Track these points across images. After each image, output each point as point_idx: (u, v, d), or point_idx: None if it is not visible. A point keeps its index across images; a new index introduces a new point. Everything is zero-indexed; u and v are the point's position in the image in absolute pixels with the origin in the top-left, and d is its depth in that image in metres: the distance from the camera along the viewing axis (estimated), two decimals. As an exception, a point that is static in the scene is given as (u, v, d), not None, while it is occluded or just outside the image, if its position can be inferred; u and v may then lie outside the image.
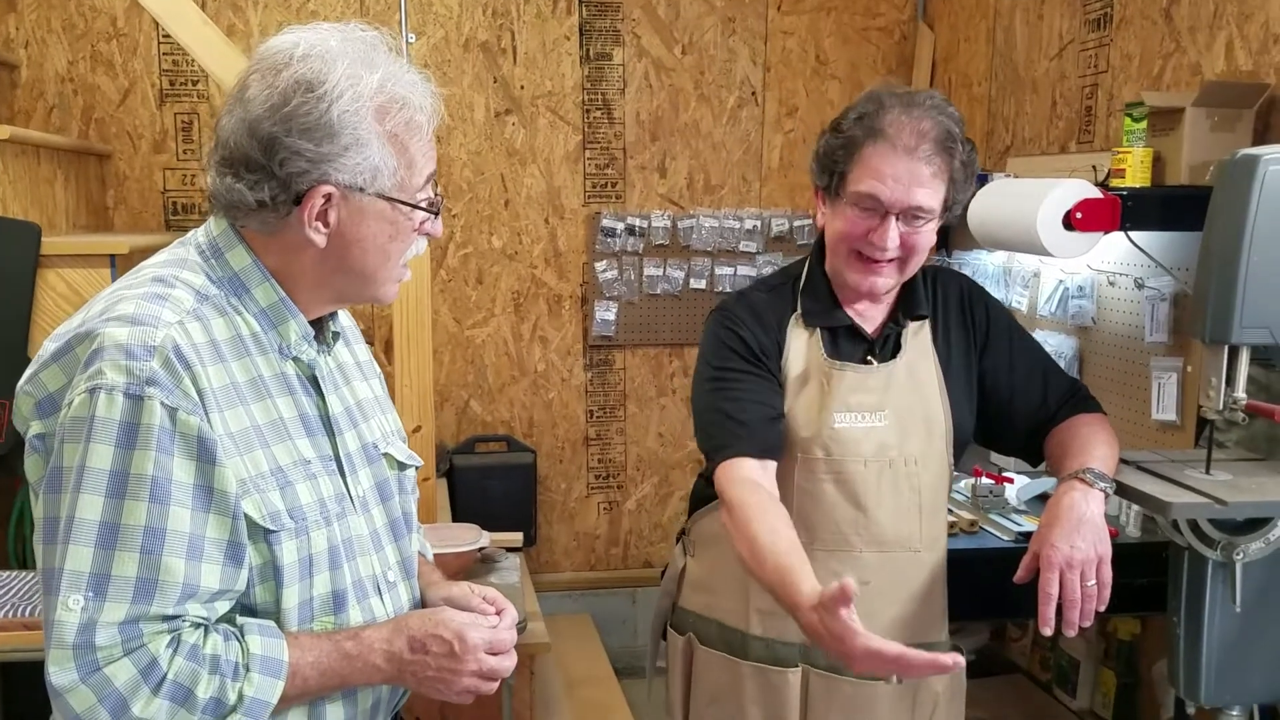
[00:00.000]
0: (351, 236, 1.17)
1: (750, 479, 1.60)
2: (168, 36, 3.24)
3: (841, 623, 1.31)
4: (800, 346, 1.71)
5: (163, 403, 1.05)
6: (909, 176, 1.59)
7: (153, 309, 1.09)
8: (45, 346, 1.11)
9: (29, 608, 2.33)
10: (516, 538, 2.87)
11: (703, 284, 3.69)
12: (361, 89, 1.13)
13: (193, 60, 3.26)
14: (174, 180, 3.40)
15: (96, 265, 2.46)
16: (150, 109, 3.36)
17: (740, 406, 1.65)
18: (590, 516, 3.81)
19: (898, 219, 1.61)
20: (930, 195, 1.61)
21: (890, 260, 1.64)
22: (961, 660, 1.32)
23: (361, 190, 1.15)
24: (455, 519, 3.18)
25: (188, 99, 3.38)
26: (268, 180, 1.13)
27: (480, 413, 3.69)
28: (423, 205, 1.20)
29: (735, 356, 1.69)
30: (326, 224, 1.16)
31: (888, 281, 1.67)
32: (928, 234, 1.65)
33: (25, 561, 2.88)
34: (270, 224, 1.16)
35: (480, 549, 2.61)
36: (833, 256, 1.71)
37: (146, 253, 2.63)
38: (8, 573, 2.57)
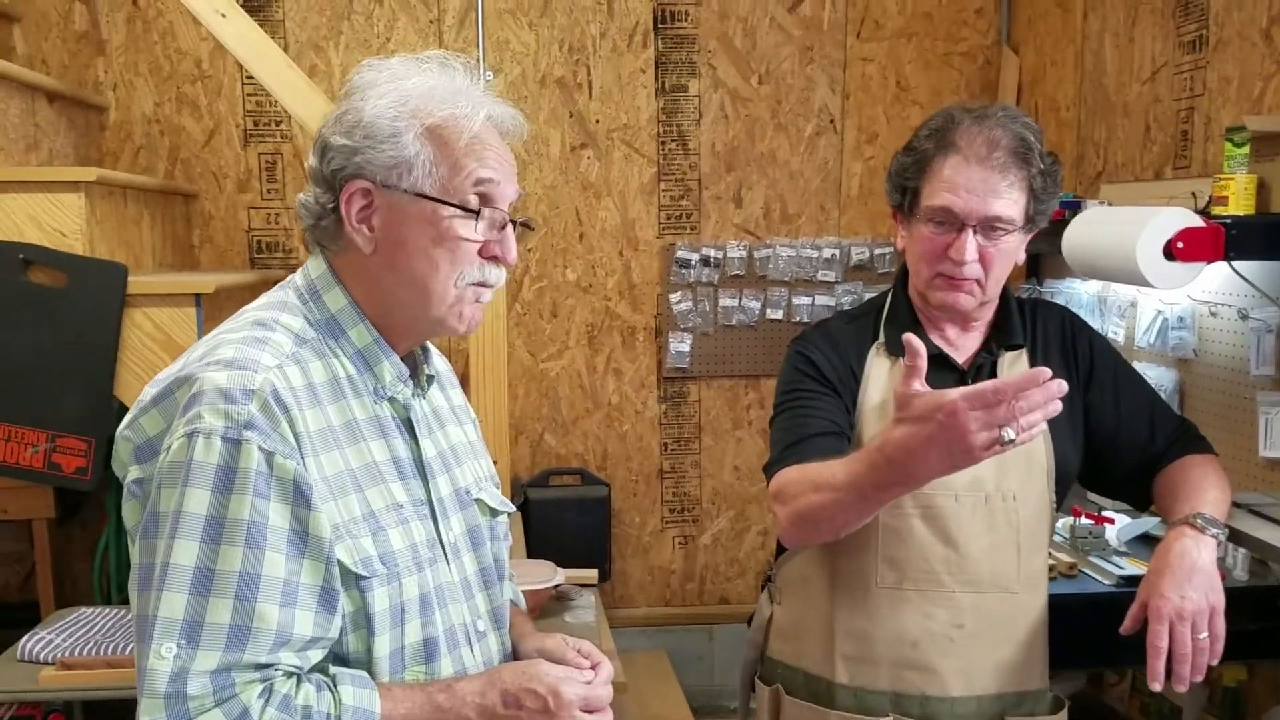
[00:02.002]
0: (395, 238, 1.16)
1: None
2: (251, 78, 3.31)
3: (926, 391, 1.23)
4: (881, 375, 1.65)
5: (260, 447, 1.04)
6: (983, 186, 1.54)
7: (252, 353, 1.09)
8: (145, 392, 1.11)
9: (112, 645, 2.35)
10: (591, 574, 2.84)
11: (779, 314, 3.63)
12: (405, 87, 1.15)
13: (276, 101, 3.32)
14: (258, 219, 3.45)
15: (182, 304, 2.49)
16: (235, 149, 3.42)
17: (802, 422, 1.60)
18: (665, 551, 3.76)
19: (975, 232, 1.55)
20: (1007, 205, 1.55)
21: (973, 278, 1.58)
22: (1048, 373, 1.20)
23: (398, 188, 1.15)
24: (529, 553, 3.16)
25: (271, 139, 3.43)
26: (321, 185, 1.17)
27: (554, 445, 3.67)
28: (456, 203, 1.16)
29: (804, 378, 1.66)
30: (371, 227, 1.16)
31: (971, 299, 1.60)
32: (1008, 247, 1.58)
33: (110, 597, 2.92)
34: (330, 232, 1.18)
35: (555, 587, 2.58)
36: (915, 278, 1.65)
37: (232, 292, 2.69)
38: (92, 609, 2.60)
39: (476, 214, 1.17)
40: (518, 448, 3.61)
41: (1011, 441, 1.20)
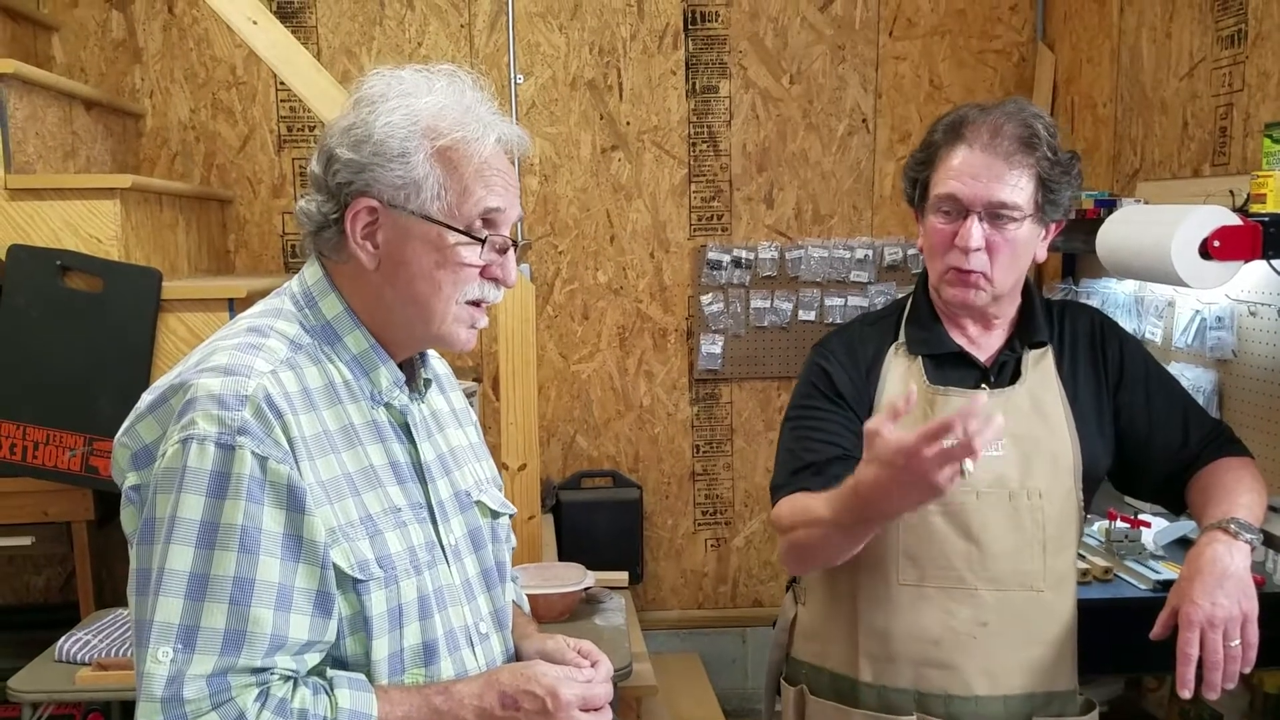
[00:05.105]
0: (398, 257, 1.16)
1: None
2: (285, 84, 3.34)
3: (890, 434, 1.26)
4: (898, 375, 1.64)
5: (253, 452, 1.05)
6: (986, 172, 1.53)
7: (246, 359, 1.10)
8: (142, 399, 1.13)
9: (148, 644, 2.38)
10: (622, 577, 2.84)
11: (812, 315, 3.61)
12: (416, 106, 1.14)
13: (309, 106, 3.35)
14: (292, 224, 3.48)
15: (215, 309, 2.53)
16: (269, 155, 3.46)
17: (809, 445, 1.61)
18: (698, 553, 3.74)
19: (981, 219, 1.54)
20: (1013, 191, 1.53)
21: (980, 270, 1.56)
22: (984, 398, 1.23)
23: (405, 208, 1.14)
24: (561, 555, 3.16)
25: (305, 144, 3.47)
26: (324, 195, 1.16)
27: (586, 448, 3.67)
28: (464, 230, 1.16)
29: (817, 394, 1.66)
30: (375, 244, 1.16)
31: (983, 294, 1.58)
32: (1017, 237, 1.56)
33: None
34: (332, 243, 1.18)
35: (585, 589, 2.57)
36: (930, 275, 1.65)
37: (264, 296, 2.72)
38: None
39: (482, 241, 1.17)
40: (549, 450, 3.62)
41: (969, 471, 1.24)
